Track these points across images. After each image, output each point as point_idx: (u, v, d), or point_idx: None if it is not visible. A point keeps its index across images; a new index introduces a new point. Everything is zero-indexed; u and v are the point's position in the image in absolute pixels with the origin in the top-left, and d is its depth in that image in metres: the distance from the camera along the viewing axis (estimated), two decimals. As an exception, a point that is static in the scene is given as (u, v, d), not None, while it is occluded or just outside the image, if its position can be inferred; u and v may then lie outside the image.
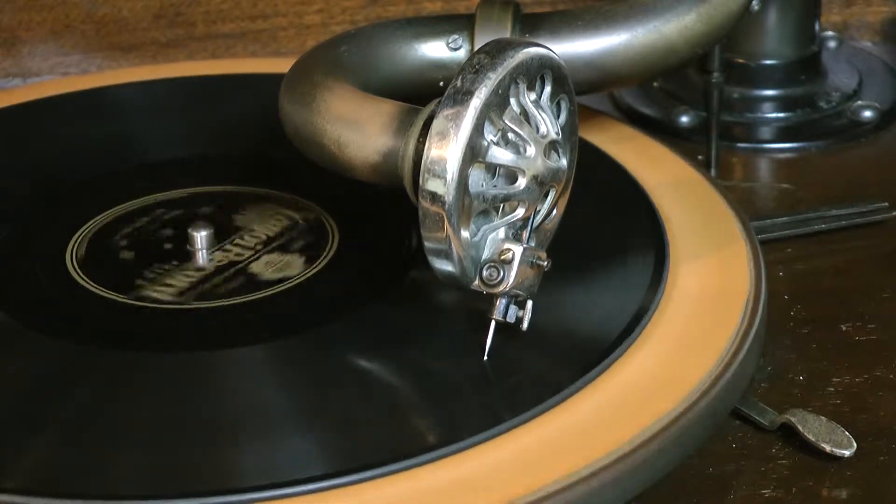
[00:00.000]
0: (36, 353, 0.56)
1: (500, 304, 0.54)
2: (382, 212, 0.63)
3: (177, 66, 0.80)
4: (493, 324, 0.54)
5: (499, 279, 0.53)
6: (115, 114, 0.74)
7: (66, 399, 0.53)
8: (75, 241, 0.63)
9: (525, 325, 0.54)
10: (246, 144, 0.71)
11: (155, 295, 0.60)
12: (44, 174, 0.69)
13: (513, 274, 0.53)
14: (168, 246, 0.63)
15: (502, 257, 0.53)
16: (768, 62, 0.78)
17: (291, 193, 0.66)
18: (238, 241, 0.63)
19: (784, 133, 0.77)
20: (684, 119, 0.77)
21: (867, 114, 0.77)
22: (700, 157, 0.73)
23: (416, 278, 0.59)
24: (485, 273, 0.53)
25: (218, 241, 0.62)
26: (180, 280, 0.60)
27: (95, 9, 0.85)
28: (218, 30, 0.85)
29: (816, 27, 0.79)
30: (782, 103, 0.78)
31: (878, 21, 0.86)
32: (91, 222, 0.65)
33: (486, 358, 0.54)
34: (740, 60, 0.77)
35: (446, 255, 0.53)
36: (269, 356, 0.56)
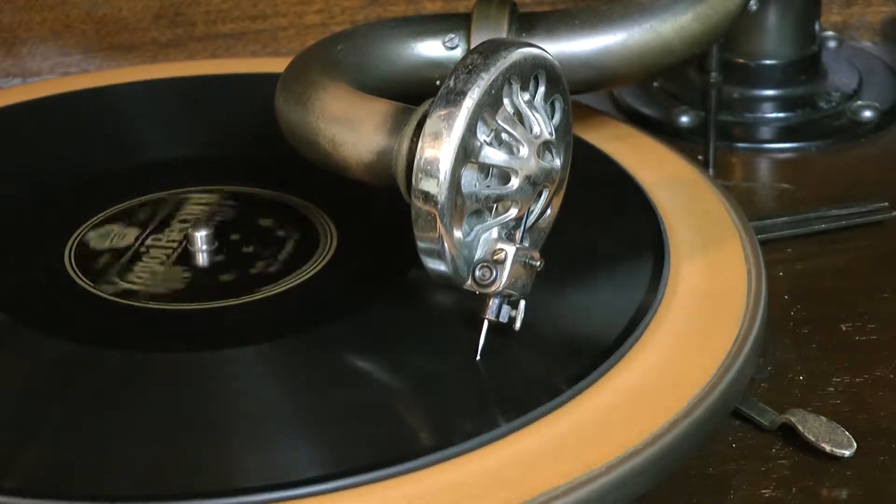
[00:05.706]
0: (35, 353, 0.56)
1: (493, 303, 0.53)
2: (380, 212, 0.63)
3: (177, 65, 0.80)
4: (485, 323, 0.54)
5: (491, 279, 0.53)
6: (115, 114, 0.74)
7: (66, 399, 0.53)
8: (75, 241, 0.63)
9: (518, 324, 0.54)
10: (246, 144, 0.71)
11: (154, 294, 0.59)
12: (44, 174, 0.69)
13: (505, 274, 0.53)
14: (168, 246, 0.63)
15: (495, 257, 0.53)
16: (768, 62, 0.77)
17: (290, 193, 0.66)
18: (236, 239, 0.63)
19: (784, 133, 0.76)
20: (684, 119, 0.77)
21: (867, 114, 0.77)
22: (700, 157, 0.73)
23: (414, 278, 0.59)
24: (477, 273, 0.53)
25: (217, 240, 0.62)
26: (180, 279, 0.61)
27: (95, 9, 0.85)
28: (218, 30, 0.85)
29: (816, 27, 0.79)
30: (782, 103, 0.78)
31: (878, 21, 0.86)
32: (90, 222, 0.65)
33: (478, 358, 0.54)
34: (740, 60, 0.77)
35: (439, 254, 0.53)
36: (267, 356, 0.56)
